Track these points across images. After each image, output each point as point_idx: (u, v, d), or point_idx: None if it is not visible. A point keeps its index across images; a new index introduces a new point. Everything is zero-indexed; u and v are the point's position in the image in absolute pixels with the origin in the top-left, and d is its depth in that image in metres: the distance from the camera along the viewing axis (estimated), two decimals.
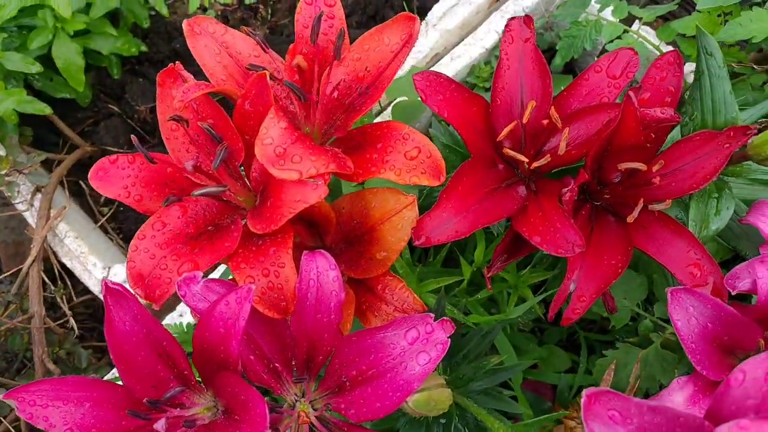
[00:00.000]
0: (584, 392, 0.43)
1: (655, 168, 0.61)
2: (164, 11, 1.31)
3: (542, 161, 0.60)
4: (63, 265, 1.13)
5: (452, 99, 0.64)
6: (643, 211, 0.65)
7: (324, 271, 0.60)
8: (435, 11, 1.26)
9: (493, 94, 0.66)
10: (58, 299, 1.08)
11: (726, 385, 0.42)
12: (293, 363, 0.62)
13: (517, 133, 0.66)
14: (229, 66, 0.65)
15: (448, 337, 0.58)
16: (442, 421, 0.74)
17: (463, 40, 1.26)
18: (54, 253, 1.12)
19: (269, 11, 1.51)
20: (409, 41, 0.63)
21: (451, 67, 1.22)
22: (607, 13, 1.08)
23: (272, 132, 0.55)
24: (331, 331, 0.61)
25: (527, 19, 0.67)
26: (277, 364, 0.62)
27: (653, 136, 0.64)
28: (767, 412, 0.40)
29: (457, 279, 0.99)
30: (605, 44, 1.03)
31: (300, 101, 0.66)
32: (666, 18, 1.24)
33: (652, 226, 0.64)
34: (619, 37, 1.03)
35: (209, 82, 0.64)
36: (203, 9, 1.41)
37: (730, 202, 0.65)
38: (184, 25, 0.64)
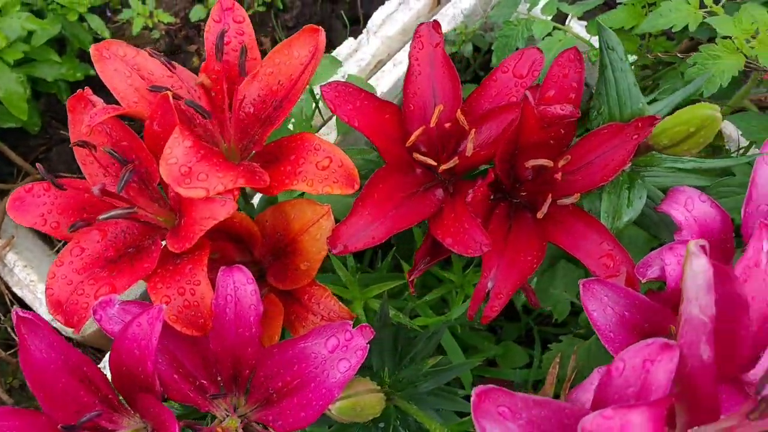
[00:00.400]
0: (474, 391, 0.44)
1: (560, 163, 0.62)
2: (106, 34, 1.31)
3: (450, 164, 0.61)
4: (15, 295, 1.13)
5: (362, 108, 0.64)
6: (558, 207, 0.66)
7: (241, 285, 0.60)
8: (374, 19, 1.27)
9: (405, 100, 0.67)
10: (9, 329, 1.08)
11: (608, 375, 0.42)
12: (219, 379, 0.63)
13: (432, 137, 0.67)
14: (141, 88, 0.66)
15: (367, 343, 0.59)
16: (381, 425, 0.74)
17: (405, 45, 1.27)
18: (5, 282, 1.12)
19: None
20: (316, 53, 0.64)
21: (394, 72, 1.22)
22: (539, 11, 1.09)
23: (176, 151, 0.56)
24: (254, 345, 0.61)
25: (435, 24, 0.68)
26: (203, 381, 0.63)
27: (562, 131, 0.66)
28: (645, 400, 0.41)
29: (400, 282, 1.00)
30: (537, 42, 1.05)
31: (213, 118, 0.66)
32: (603, 11, 1.25)
33: (567, 220, 0.65)
34: (549, 34, 1.05)
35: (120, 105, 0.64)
36: (148, 29, 1.41)
37: (642, 192, 0.67)
38: (92, 50, 0.65)
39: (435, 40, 0.68)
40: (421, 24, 0.68)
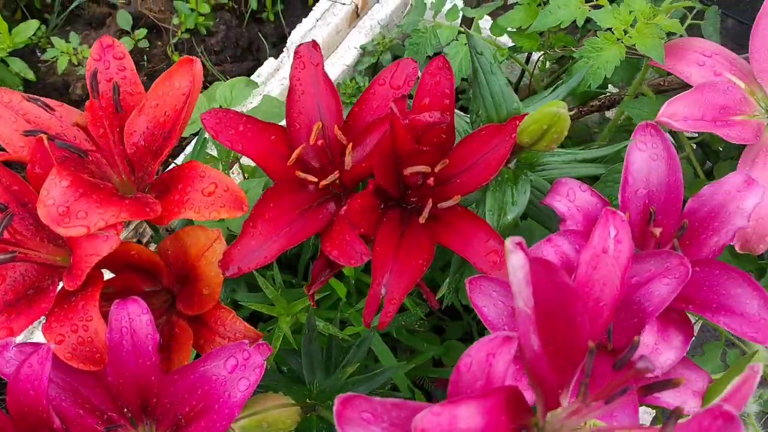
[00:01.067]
0: (336, 400, 0.45)
1: (437, 168, 0.64)
2: (30, 76, 1.32)
3: (329, 179, 0.63)
4: None
5: (245, 132, 0.66)
6: (447, 209, 0.68)
7: (136, 317, 0.61)
8: (293, 37, 1.29)
9: (290, 120, 0.69)
10: None
11: (458, 371, 0.44)
12: (126, 411, 0.64)
13: (320, 154, 0.69)
14: None
15: (264, 360, 0.61)
16: None
17: (326, 60, 1.29)
18: None
19: (146, 58, 1.53)
20: (195, 82, 0.66)
21: None
22: (444, 18, 1.12)
23: (53, 192, 0.57)
24: (156, 373, 0.62)
25: (314, 43, 0.70)
26: (111, 414, 0.64)
27: (444, 136, 0.68)
28: (491, 392, 0.43)
29: (326, 294, 1.02)
30: (443, 48, 1.07)
31: (102, 154, 0.68)
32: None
33: (455, 221, 0.67)
34: (455, 39, 1.07)
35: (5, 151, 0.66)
36: (74, 65, 1.42)
37: (526, 188, 0.69)
38: None
39: (315, 59, 0.70)
40: (300, 45, 0.70)
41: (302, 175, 0.64)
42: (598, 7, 0.89)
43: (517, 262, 0.40)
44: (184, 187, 0.64)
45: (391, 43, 1.28)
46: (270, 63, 1.27)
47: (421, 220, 0.63)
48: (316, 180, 0.64)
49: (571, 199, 0.69)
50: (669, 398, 0.62)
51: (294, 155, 0.64)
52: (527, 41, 1.04)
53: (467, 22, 1.21)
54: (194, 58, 0.65)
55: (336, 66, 1.26)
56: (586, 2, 0.90)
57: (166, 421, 0.64)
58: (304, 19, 1.30)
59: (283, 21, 1.52)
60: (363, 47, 1.27)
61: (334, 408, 0.46)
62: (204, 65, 1.53)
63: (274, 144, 0.68)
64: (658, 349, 0.60)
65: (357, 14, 1.36)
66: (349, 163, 0.63)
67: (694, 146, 0.91)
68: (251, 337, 0.69)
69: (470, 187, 0.67)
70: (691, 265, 0.65)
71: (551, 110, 0.56)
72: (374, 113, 0.69)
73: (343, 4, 1.32)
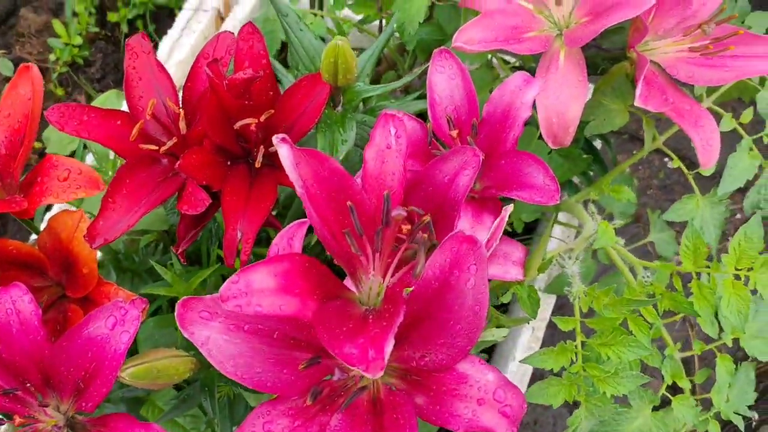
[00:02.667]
0: (177, 305, 0.54)
1: (263, 118, 0.73)
2: None
3: (168, 145, 0.72)
4: None
5: (89, 121, 0.74)
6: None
7: (18, 297, 0.68)
8: (162, 49, 1.36)
9: (130, 104, 0.77)
10: None
11: (268, 257, 0.53)
12: (29, 386, 0.71)
13: (163, 127, 0.77)
14: None
15: (140, 311, 0.68)
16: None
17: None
18: None
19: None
20: (35, 85, 0.74)
21: None
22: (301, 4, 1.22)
23: None
24: (47, 346, 0.69)
25: (143, 35, 0.79)
26: (17, 392, 0.70)
27: (271, 93, 0.77)
28: (277, 257, 0.52)
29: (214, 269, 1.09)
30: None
31: None
32: None
33: None
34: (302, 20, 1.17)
35: None
36: None
37: (351, 125, 0.79)
38: None
39: (146, 48, 0.78)
40: (129, 38, 0.78)
41: (144, 146, 0.72)
42: None
43: (283, 153, 0.49)
44: (42, 178, 0.72)
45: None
46: None
47: (257, 164, 0.72)
48: (156, 148, 0.72)
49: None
50: (495, 270, 0.72)
51: (135, 130, 0.72)
52: (365, 9, 1.14)
53: (320, 5, 1.31)
54: (30, 64, 0.73)
55: None
56: None
57: (67, 389, 0.70)
58: (169, 31, 1.37)
59: (157, 39, 1.59)
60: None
61: (176, 312, 0.54)
62: (89, 95, 1.59)
63: (120, 128, 0.76)
64: (474, 230, 0.71)
65: (222, 18, 1.44)
66: (183, 128, 0.72)
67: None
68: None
69: (300, 133, 0.77)
70: (497, 158, 0.77)
71: (332, 44, 0.66)
72: (204, 84, 0.78)
73: (205, 11, 1.40)
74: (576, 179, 1.18)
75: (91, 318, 0.70)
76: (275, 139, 0.49)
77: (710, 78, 0.87)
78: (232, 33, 0.78)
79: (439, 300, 0.52)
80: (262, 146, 0.73)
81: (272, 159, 0.77)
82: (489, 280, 0.78)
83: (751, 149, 0.95)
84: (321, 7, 1.24)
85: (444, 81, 0.79)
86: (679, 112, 0.86)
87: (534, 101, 0.76)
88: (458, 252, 0.49)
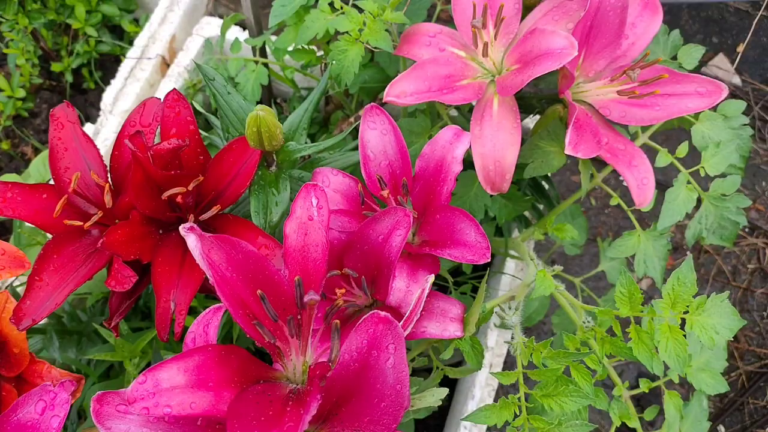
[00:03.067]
0: (92, 400, 0.52)
1: (191, 186, 0.72)
2: None
3: (93, 220, 0.70)
4: None
5: (13, 198, 0.72)
6: (222, 220, 0.77)
7: None
8: (106, 98, 1.35)
9: (55, 177, 0.75)
10: None
11: (185, 346, 0.52)
12: None
13: (91, 200, 0.76)
14: None
15: (70, 394, 0.67)
16: None
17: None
18: None
19: None
20: None
21: None
22: (243, 52, 1.21)
23: None
24: None
25: (67, 104, 0.77)
26: None
27: (201, 158, 0.76)
28: (189, 351, 0.51)
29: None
30: (234, 78, 1.16)
31: None
32: None
33: (229, 229, 0.76)
34: (244, 67, 1.17)
35: None
36: None
37: (285, 185, 0.78)
38: None
39: (72, 118, 0.77)
40: (54, 108, 0.77)
41: (69, 222, 0.70)
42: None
43: (191, 243, 0.48)
44: None
45: (201, 83, 1.36)
46: (88, 128, 1.32)
47: (182, 232, 0.71)
48: (81, 223, 0.70)
49: (327, 185, 0.79)
50: (432, 329, 0.71)
51: (58, 207, 0.70)
52: (305, 56, 1.14)
53: (263, 51, 1.31)
54: None
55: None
56: (333, 12, 1.01)
57: None
58: (112, 81, 1.36)
59: (103, 86, 1.57)
60: (179, 90, 1.34)
61: (91, 408, 0.52)
62: (35, 147, 1.56)
63: (45, 202, 0.74)
64: (410, 291, 0.70)
65: (167, 64, 1.43)
66: (108, 201, 0.70)
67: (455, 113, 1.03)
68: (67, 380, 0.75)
69: (234, 197, 0.76)
70: (432, 212, 0.77)
71: (252, 114, 0.65)
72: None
73: (149, 58, 1.39)
74: (528, 213, 1.19)
75: (19, 404, 0.67)
76: (182, 229, 0.49)
77: (642, 117, 0.88)
78: (159, 99, 0.77)
79: (361, 379, 0.51)
80: (192, 215, 0.72)
81: (208, 224, 0.76)
82: (427, 339, 0.78)
83: (688, 182, 0.96)
84: (264, 55, 1.24)
85: (376, 137, 0.79)
86: (613, 153, 0.87)
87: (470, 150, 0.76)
88: (375, 333, 0.49)
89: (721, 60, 2.07)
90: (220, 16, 1.30)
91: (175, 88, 0.75)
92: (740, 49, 2.09)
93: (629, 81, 0.82)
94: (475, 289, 1.20)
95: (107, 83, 1.61)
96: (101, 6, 1.47)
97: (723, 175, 0.98)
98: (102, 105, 1.35)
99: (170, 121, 0.74)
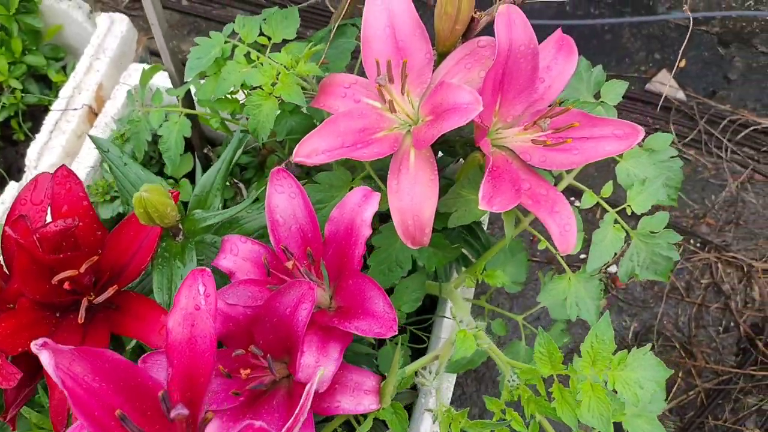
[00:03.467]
0: None
1: (83, 268, 0.68)
2: None
3: None
4: None
5: None
6: (124, 298, 0.73)
7: None
8: (30, 154, 1.30)
9: None
10: None
11: None
12: None
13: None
14: None
15: None
16: None
17: (71, 167, 1.31)
18: None
19: None
20: None
21: None
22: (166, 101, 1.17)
23: None
24: None
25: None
26: None
27: (99, 233, 0.73)
28: None
29: None
30: (156, 130, 1.12)
31: None
32: None
33: (132, 307, 0.72)
34: (166, 119, 1.13)
35: None
36: None
37: (192, 256, 0.75)
38: None
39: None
40: None
41: None
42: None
43: (44, 360, 0.45)
44: None
45: (129, 133, 1.32)
46: (12, 186, 1.27)
47: (79, 319, 0.67)
48: None
49: (236, 253, 0.76)
50: (346, 404, 0.68)
51: None
52: (228, 105, 1.11)
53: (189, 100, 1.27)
54: None
55: (80, 170, 1.28)
56: (250, 63, 0.99)
57: None
58: (36, 135, 1.31)
59: (34, 137, 1.52)
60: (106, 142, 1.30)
61: None
62: None
63: None
64: (318, 365, 0.67)
65: (95, 113, 1.39)
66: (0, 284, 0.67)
67: None
68: None
69: (136, 272, 0.72)
70: (346, 277, 0.74)
71: (137, 196, 0.62)
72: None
73: (75, 109, 1.34)
74: (468, 251, 1.17)
75: None
76: (33, 346, 0.45)
77: (561, 162, 0.86)
78: (48, 174, 0.73)
79: None
80: (86, 297, 0.68)
81: (112, 301, 0.73)
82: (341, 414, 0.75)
83: (615, 222, 0.95)
84: (192, 103, 1.21)
85: (285, 201, 0.76)
86: (535, 199, 0.85)
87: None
88: None
89: (664, 76, 2.09)
90: (173, 51, 1.26)
91: (64, 164, 0.71)
92: (682, 64, 2.11)
93: (541, 130, 0.80)
94: (417, 340, 1.18)
95: (36, 133, 1.56)
96: (26, 57, 1.43)
97: (652, 212, 0.97)
98: (27, 161, 1.30)
99: (61, 198, 0.71)
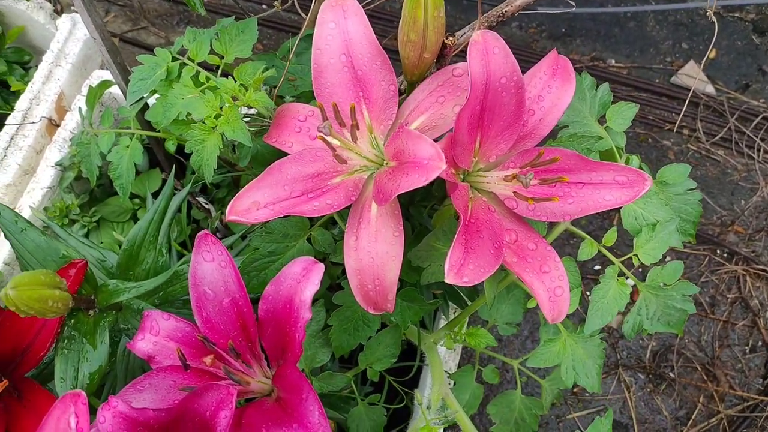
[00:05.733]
0: None
1: None
2: None
3: None
4: None
5: None
6: (25, 384, 0.63)
7: None
8: None
9: None
10: None
11: None
12: None
13: None
14: None
15: None
16: None
17: (26, 188, 1.20)
18: None
19: None
20: None
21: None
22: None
23: None
24: None
25: None
26: None
27: None
28: None
29: None
30: (107, 153, 1.01)
31: None
32: None
33: (32, 401, 0.61)
34: (116, 144, 1.01)
35: None
36: None
37: (104, 337, 0.64)
38: None
39: None
40: None
41: None
42: (214, 87, 0.85)
43: None
44: None
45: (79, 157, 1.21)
46: None
47: None
48: None
49: (156, 332, 0.64)
50: None
51: None
52: (185, 128, 0.99)
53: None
54: None
55: (35, 192, 1.18)
56: (198, 87, 0.86)
57: None
58: None
59: None
60: (59, 163, 1.19)
61: None
62: None
63: None
64: None
65: (56, 124, 1.28)
66: None
67: None
68: None
69: (34, 361, 0.61)
70: (285, 366, 0.62)
71: (3, 292, 0.51)
72: None
73: (33, 122, 1.23)
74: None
75: None
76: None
77: (553, 212, 0.72)
78: None
79: None
80: None
81: (16, 386, 0.62)
82: None
83: (620, 275, 0.81)
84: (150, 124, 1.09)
85: (214, 271, 0.64)
86: (521, 255, 0.72)
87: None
88: None
89: (692, 68, 1.91)
90: (122, 65, 1.14)
91: None
92: (712, 55, 1.92)
93: (521, 186, 0.66)
94: (395, 396, 1.05)
95: None
96: None
97: (663, 259, 0.83)
98: None
99: None
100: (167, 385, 0.62)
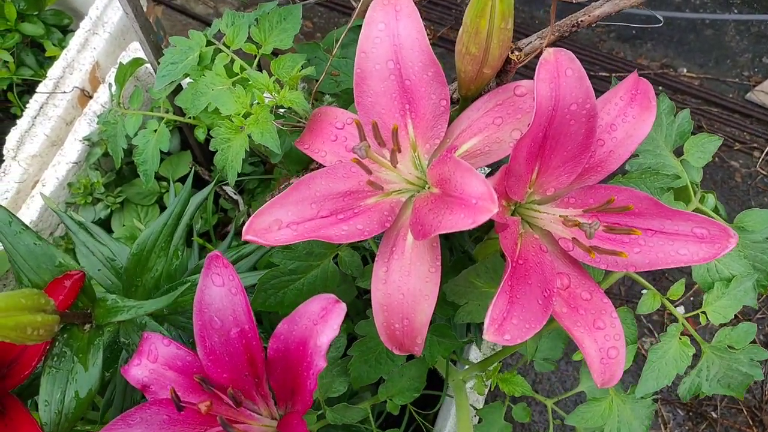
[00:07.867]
0: None
1: None
2: None
3: None
4: None
5: None
6: (8, 401, 0.57)
7: None
8: (8, 143, 1.15)
9: None
10: None
11: None
12: None
13: None
14: None
15: None
16: None
17: (51, 161, 1.15)
18: None
19: None
20: None
21: (46, 191, 1.11)
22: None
23: None
24: None
25: None
26: None
27: None
28: None
29: None
30: (133, 136, 0.94)
31: None
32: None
33: (16, 421, 0.56)
34: (144, 127, 0.95)
35: None
36: None
37: (97, 357, 0.57)
38: None
39: None
40: None
41: None
42: (245, 80, 0.77)
43: None
44: None
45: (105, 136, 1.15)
46: None
47: None
48: None
49: (154, 359, 0.57)
50: None
51: None
52: (215, 117, 0.91)
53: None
54: None
55: (60, 166, 1.12)
56: (231, 78, 0.78)
57: None
58: (18, 121, 1.16)
59: None
60: (87, 138, 1.13)
61: None
62: None
63: None
64: None
65: (89, 96, 1.22)
66: None
67: None
68: None
69: (18, 377, 0.55)
70: (293, 414, 0.55)
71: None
72: None
73: (64, 92, 1.18)
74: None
75: None
76: None
77: (616, 262, 0.63)
78: None
79: None
80: None
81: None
82: None
83: (682, 335, 0.71)
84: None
85: (224, 298, 0.57)
86: (572, 305, 0.63)
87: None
88: None
89: None
90: (156, 44, 1.08)
91: None
92: None
93: (586, 236, 0.57)
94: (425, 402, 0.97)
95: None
96: (21, 24, 1.26)
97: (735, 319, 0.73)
98: (5, 150, 1.15)
99: None
100: (161, 421, 0.55)
